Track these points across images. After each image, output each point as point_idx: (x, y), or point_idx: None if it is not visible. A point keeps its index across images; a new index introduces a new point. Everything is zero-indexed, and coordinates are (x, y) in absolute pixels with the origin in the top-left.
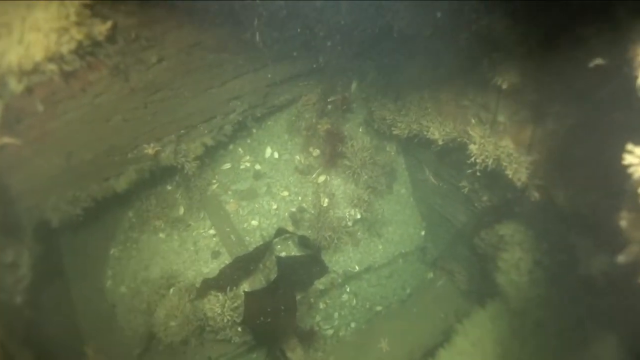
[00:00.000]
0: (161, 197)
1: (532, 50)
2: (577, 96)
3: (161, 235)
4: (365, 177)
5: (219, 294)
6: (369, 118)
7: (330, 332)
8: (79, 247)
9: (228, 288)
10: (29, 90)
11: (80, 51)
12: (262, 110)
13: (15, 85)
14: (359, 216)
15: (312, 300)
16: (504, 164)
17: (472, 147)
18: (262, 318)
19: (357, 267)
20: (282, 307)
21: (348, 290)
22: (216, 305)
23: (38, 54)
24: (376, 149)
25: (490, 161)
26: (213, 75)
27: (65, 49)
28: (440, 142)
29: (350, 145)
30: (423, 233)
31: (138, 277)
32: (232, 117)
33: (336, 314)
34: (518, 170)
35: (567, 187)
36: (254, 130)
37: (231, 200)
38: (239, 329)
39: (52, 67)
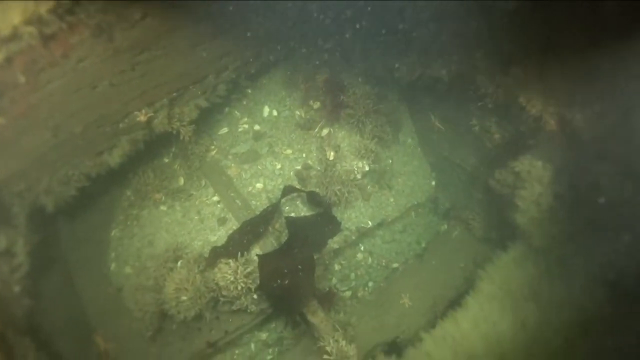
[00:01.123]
0: (159, 170)
1: None
2: (588, 12)
3: (163, 208)
4: (370, 126)
5: (230, 260)
6: (368, 66)
7: (349, 293)
8: (78, 232)
9: (239, 254)
10: (8, 60)
11: (59, 10)
12: (256, 66)
13: None
14: (367, 168)
15: (327, 261)
16: (516, 92)
17: (480, 78)
18: (279, 281)
19: (369, 223)
20: (300, 267)
21: (362, 249)
22: (228, 273)
23: (16, 17)
24: (378, 97)
25: (501, 91)
26: (202, 29)
27: (43, 8)
28: (446, 79)
29: (352, 93)
30: (433, 183)
31: (142, 255)
32: (225, 75)
33: (352, 275)
34: (532, 98)
35: (584, 110)
36: (249, 91)
37: (232, 164)
38: (255, 296)
39: (30, 29)
